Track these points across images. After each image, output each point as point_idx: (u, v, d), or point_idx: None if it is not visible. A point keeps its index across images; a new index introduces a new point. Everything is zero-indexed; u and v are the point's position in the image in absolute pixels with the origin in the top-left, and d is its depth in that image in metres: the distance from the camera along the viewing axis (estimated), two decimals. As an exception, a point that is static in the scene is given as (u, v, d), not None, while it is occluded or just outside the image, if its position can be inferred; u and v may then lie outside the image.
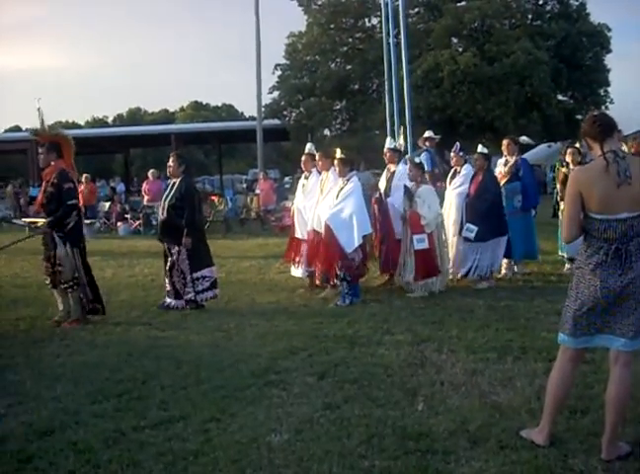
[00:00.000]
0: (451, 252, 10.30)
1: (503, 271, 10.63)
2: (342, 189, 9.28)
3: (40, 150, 8.48)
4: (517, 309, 8.32)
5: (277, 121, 35.40)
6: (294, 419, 4.96)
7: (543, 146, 32.51)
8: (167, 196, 9.14)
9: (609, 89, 34.49)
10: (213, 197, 25.36)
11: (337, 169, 9.43)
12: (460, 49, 32.59)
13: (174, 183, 9.11)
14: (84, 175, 22.39)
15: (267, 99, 35.10)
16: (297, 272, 10.19)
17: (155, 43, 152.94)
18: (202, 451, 4.45)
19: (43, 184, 8.44)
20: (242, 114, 73.52)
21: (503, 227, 10.00)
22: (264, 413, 5.12)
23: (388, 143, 10.59)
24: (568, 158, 10.72)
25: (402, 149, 10.60)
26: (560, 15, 34.22)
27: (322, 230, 9.24)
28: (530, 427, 4.54)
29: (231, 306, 9.27)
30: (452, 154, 10.81)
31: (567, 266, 10.80)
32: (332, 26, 36.35)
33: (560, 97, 33.93)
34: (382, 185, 10.45)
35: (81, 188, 21.48)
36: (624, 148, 7.49)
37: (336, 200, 9.25)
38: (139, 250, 16.22)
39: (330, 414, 5.03)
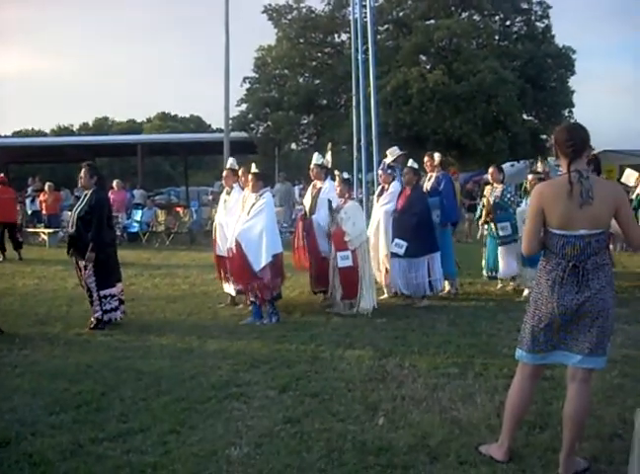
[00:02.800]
0: (382, 270, 10.22)
1: (446, 288, 10.65)
2: (253, 204, 9.06)
3: None
4: (479, 325, 8.38)
5: (244, 134, 35.33)
6: (254, 432, 4.94)
7: (507, 165, 32.83)
8: (76, 208, 8.78)
9: (574, 110, 35.01)
10: (178, 209, 25.28)
11: (250, 184, 9.21)
12: (428, 67, 32.86)
13: (85, 195, 8.79)
14: (47, 183, 22.17)
15: (235, 111, 35.01)
16: (229, 288, 9.86)
17: (124, 53, 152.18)
18: (161, 464, 4.42)
19: None
20: (210, 126, 73.30)
21: (434, 243, 9.89)
22: (224, 426, 5.09)
23: (315, 159, 10.35)
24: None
25: (329, 165, 10.46)
26: (526, 36, 34.68)
27: (233, 247, 8.96)
28: (490, 442, 4.57)
29: (193, 318, 9.22)
30: (380, 172, 10.67)
31: (499, 284, 11.01)
32: (301, 40, 36.44)
33: (525, 116, 34.31)
34: (307, 202, 10.31)
35: (45, 197, 21.38)
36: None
37: (247, 217, 9.04)
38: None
39: (290, 428, 5.02)
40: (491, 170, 11.11)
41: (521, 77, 32.03)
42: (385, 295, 10.41)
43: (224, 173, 10.27)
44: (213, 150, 36.43)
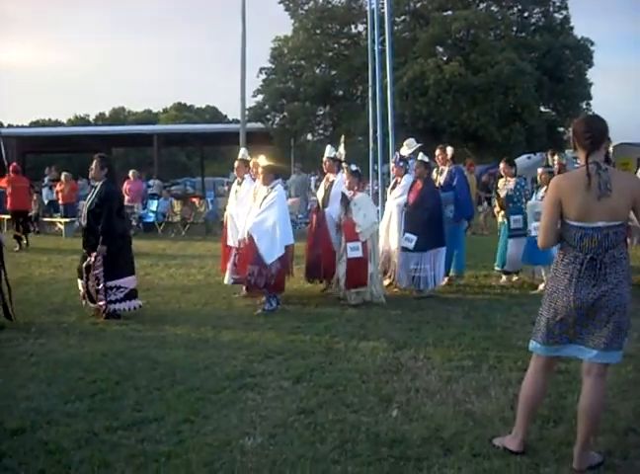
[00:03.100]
0: (392, 262, 10.17)
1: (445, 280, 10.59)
2: (265, 197, 9.05)
3: None
4: (493, 318, 8.36)
5: (260, 125, 35.34)
6: (268, 422, 4.95)
7: (523, 157, 32.65)
8: (87, 200, 8.73)
9: (591, 102, 34.79)
10: (194, 199, 25.32)
11: (261, 177, 9.23)
12: (445, 58, 32.74)
13: (95, 187, 8.75)
14: (64, 173, 22.24)
15: (251, 102, 35.06)
16: (227, 278, 9.94)
17: (141, 44, 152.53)
18: (175, 453, 4.44)
19: None
20: (226, 116, 73.37)
21: (442, 238, 9.84)
22: (238, 416, 5.10)
23: (328, 152, 10.34)
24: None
25: (342, 158, 10.42)
26: (544, 28, 34.49)
27: (245, 239, 9.05)
28: (504, 435, 4.56)
29: (208, 308, 9.24)
30: (392, 165, 10.63)
31: (503, 278, 10.91)
32: (318, 31, 36.40)
33: (542, 108, 34.13)
34: (320, 194, 10.29)
35: (61, 186, 21.48)
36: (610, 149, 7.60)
37: (259, 209, 9.04)
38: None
39: (304, 418, 5.03)
40: (502, 165, 11.06)
41: (539, 69, 31.86)
42: (392, 287, 10.39)
43: (236, 164, 10.30)
44: (229, 141, 36.49)
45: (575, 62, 33.62)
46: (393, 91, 13.96)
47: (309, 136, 36.99)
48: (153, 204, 22.24)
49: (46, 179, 25.43)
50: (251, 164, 9.96)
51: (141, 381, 5.95)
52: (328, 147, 10.52)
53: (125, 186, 22.83)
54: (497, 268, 11.06)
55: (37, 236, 20.48)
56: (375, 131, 14.10)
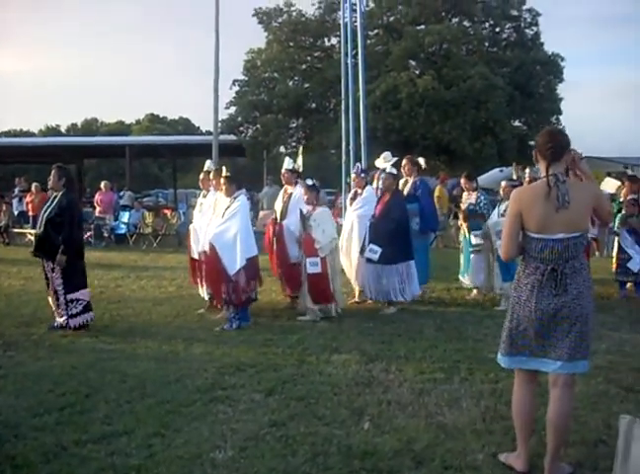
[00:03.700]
0: (353, 274, 10.15)
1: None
2: (228, 207, 8.95)
3: None
4: (465, 331, 8.39)
5: (233, 137, 35.28)
6: (239, 435, 4.93)
7: (495, 171, 32.93)
8: (46, 209, 8.59)
9: (561, 117, 35.20)
10: (166, 211, 25.21)
11: (223, 188, 9.11)
12: (418, 72, 32.96)
13: (55, 196, 8.64)
14: (34, 184, 22.09)
15: (224, 114, 34.97)
16: (203, 292, 9.83)
17: (114, 54, 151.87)
18: (145, 467, 4.40)
19: None
20: (198, 128, 73.29)
21: (409, 250, 9.74)
22: (209, 429, 5.07)
23: (286, 164, 10.29)
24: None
25: (300, 170, 10.37)
26: (516, 43, 34.86)
27: (207, 251, 8.92)
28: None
29: (180, 321, 9.18)
30: (353, 175, 10.59)
31: (474, 292, 10.91)
32: (291, 44, 36.45)
33: (514, 123, 34.46)
34: (278, 207, 10.21)
35: (32, 197, 21.29)
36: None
37: (221, 219, 8.93)
38: (89, 261, 15.79)
39: (276, 431, 5.01)
40: (462, 180, 11.10)
41: (510, 84, 32.16)
42: (355, 299, 10.38)
43: (201, 176, 10.19)
44: (202, 153, 36.24)
45: (545, 77, 34.02)
46: (366, 104, 14.07)
47: (282, 149, 36.98)
48: (125, 216, 22.09)
49: (16, 190, 25.20)
50: (210, 175, 9.84)
51: (111, 394, 5.89)
52: (286, 159, 10.48)
53: (97, 197, 22.75)
54: (461, 277, 11.10)
55: (6, 247, 20.28)
56: (348, 144, 14.22)
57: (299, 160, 10.39)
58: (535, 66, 33.72)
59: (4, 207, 22.40)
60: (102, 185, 22.87)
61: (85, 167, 51.41)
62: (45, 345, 7.78)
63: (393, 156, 10.85)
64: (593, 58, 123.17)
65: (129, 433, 4.98)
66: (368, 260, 9.63)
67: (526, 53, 33.67)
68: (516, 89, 32.39)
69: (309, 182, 9.68)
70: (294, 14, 36.20)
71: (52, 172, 8.67)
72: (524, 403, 4.38)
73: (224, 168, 9.49)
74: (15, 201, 24.01)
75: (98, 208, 22.30)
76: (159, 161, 62.30)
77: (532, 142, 32.68)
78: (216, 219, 9.06)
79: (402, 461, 4.46)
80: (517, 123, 34.95)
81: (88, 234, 21.15)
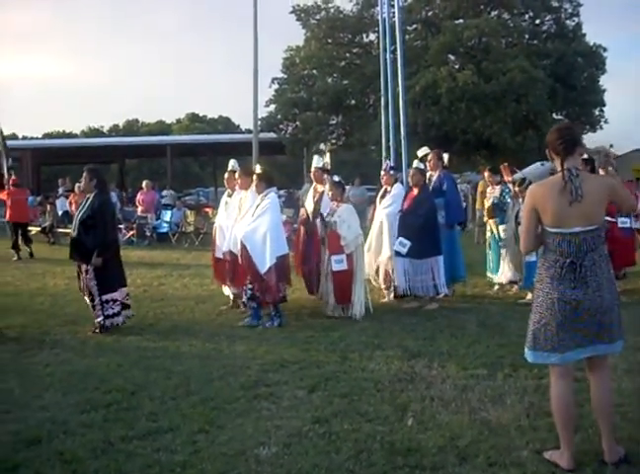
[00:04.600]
0: (382, 273, 10.07)
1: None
2: (258, 206, 8.87)
3: None
4: (508, 326, 8.32)
5: (272, 135, 35.42)
6: (283, 432, 4.95)
7: (537, 164, 32.66)
8: (79, 212, 8.68)
9: (605, 109, 34.73)
10: (207, 209, 25.38)
11: (254, 185, 9.08)
12: (457, 66, 32.75)
13: (87, 198, 8.69)
14: (76, 184, 22.36)
15: (263, 112, 35.16)
16: (228, 291, 9.84)
17: (154, 55, 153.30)
18: (190, 463, 4.44)
19: None
20: (238, 126, 73.61)
21: (438, 246, 9.66)
22: (252, 425, 5.10)
23: (315, 162, 10.22)
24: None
25: (329, 167, 10.27)
26: (556, 35, 34.44)
27: (238, 250, 8.85)
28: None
29: (222, 318, 9.24)
30: (383, 173, 10.50)
31: (496, 288, 10.82)
32: (330, 40, 36.47)
33: (555, 115, 34.07)
34: (309, 205, 10.08)
35: (75, 197, 21.57)
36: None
37: (252, 218, 8.84)
38: (132, 260, 16.13)
39: (319, 428, 5.02)
40: (486, 173, 11.00)
41: (551, 76, 31.79)
42: (386, 299, 10.30)
43: (226, 175, 10.17)
44: (242, 151, 36.59)
45: (587, 69, 33.57)
46: (405, 99, 13.95)
47: (322, 146, 37.02)
48: (167, 215, 22.29)
49: (61, 189, 25.57)
50: (235, 175, 9.79)
51: (156, 391, 5.96)
52: (315, 157, 10.44)
53: (139, 196, 22.98)
54: (489, 274, 11.00)
55: (51, 247, 20.58)
56: (388, 140, 14.10)
57: (327, 157, 10.35)
58: (577, 58, 33.29)
59: (49, 208, 22.77)
60: (144, 184, 23.10)
61: (127, 167, 52.05)
62: (91, 343, 7.89)
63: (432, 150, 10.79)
64: (637, 48, 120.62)
65: (174, 429, 5.04)
66: (397, 253, 9.59)
67: (567, 45, 33.25)
68: (557, 81, 32.01)
69: (335, 178, 9.70)
70: (332, 10, 36.22)
71: (84, 174, 8.75)
72: (562, 398, 4.35)
73: (258, 165, 9.48)
74: (59, 201, 24.36)
75: (140, 208, 22.53)
76: (200, 160, 62.83)
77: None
78: (245, 218, 9.02)
79: (446, 458, 4.45)
80: (558, 116, 34.53)
81: (131, 233, 21.43)
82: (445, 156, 10.93)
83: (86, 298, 8.68)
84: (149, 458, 4.53)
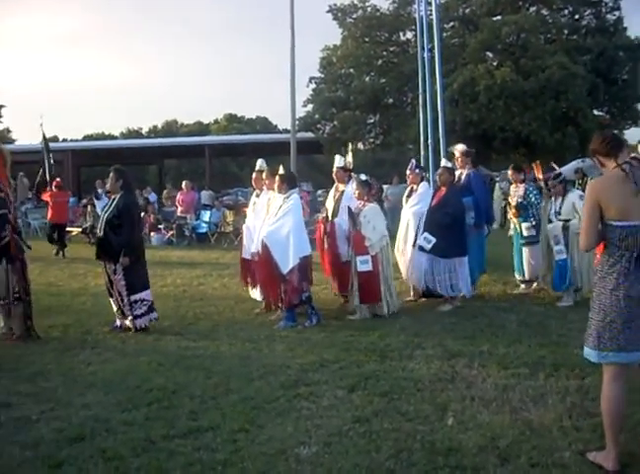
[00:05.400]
0: (409, 271, 9.87)
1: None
2: (281, 206, 8.83)
3: None
4: (549, 325, 8.24)
5: (310, 135, 35.47)
6: (323, 431, 4.95)
7: (577, 161, 32.23)
8: (105, 212, 8.69)
9: (647, 104, 34.24)
10: (245, 209, 25.46)
11: (276, 186, 9.03)
12: (495, 64, 32.52)
13: (113, 199, 8.72)
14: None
15: (301, 112, 35.30)
16: (255, 294, 9.79)
17: (192, 56, 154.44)
18: (231, 462, 4.46)
19: None
20: (276, 126, 73.87)
21: (464, 246, 9.53)
22: (293, 425, 5.11)
23: (337, 162, 10.07)
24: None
25: (351, 167, 10.11)
26: (596, 29, 34.04)
27: (259, 250, 8.88)
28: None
29: (262, 317, 9.26)
30: (408, 172, 10.31)
31: (522, 286, 10.68)
32: (367, 39, 36.45)
33: (596, 112, 33.66)
34: (330, 205, 9.94)
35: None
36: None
37: (274, 218, 8.83)
38: (172, 260, 16.29)
39: (359, 427, 5.01)
40: (510, 172, 10.86)
41: (592, 71, 31.43)
42: (411, 297, 10.20)
43: (253, 175, 10.15)
44: (280, 151, 36.71)
45: (629, 63, 33.12)
46: (443, 98, 13.92)
47: (360, 145, 36.98)
48: (206, 215, 22.42)
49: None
50: (263, 175, 9.77)
51: (196, 390, 6.00)
52: (337, 157, 10.31)
53: (179, 197, 23.15)
54: (517, 276, 10.85)
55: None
56: (426, 139, 14.10)
57: (349, 157, 10.29)
58: (618, 52, 32.87)
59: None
60: (183, 184, 23.27)
61: (166, 167, 52.48)
62: (131, 342, 7.97)
63: (470, 148, 10.68)
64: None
65: (215, 428, 5.06)
66: (420, 248, 9.45)
67: (608, 39, 32.86)
68: (597, 77, 31.65)
69: (362, 177, 9.61)
70: (369, 9, 36.22)
71: (110, 174, 8.80)
72: (614, 400, 4.27)
73: (281, 166, 9.46)
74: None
75: (179, 208, 22.69)
76: (238, 160, 63.11)
77: (616, 131, 32.06)
78: (270, 218, 9.00)
79: (487, 458, 4.41)
80: (599, 113, 34.13)
81: (170, 233, 21.60)
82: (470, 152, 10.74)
83: (110, 299, 8.75)
84: (190, 457, 4.56)
